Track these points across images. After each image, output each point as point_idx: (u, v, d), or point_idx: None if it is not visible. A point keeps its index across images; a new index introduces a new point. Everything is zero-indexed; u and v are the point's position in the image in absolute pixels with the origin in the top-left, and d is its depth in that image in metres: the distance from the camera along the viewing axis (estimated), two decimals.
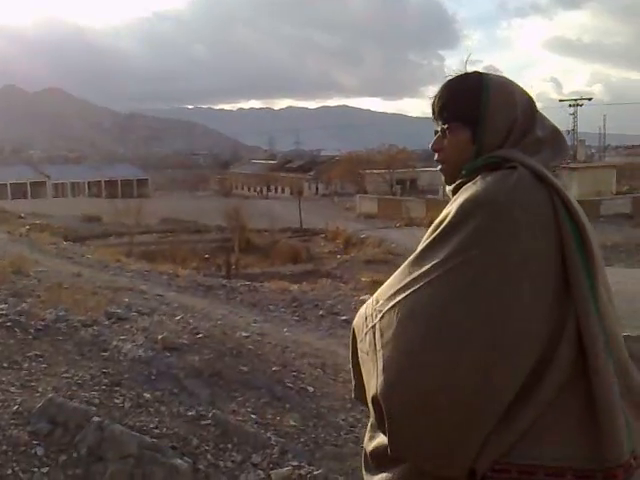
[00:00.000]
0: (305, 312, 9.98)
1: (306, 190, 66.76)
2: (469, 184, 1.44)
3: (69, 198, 68.72)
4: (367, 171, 58.17)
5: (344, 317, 9.65)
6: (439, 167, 1.59)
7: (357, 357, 1.56)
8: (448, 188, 1.59)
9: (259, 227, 33.31)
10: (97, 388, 3.82)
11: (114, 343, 4.65)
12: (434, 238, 1.43)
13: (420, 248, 1.46)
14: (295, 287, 12.28)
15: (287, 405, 4.46)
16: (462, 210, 1.38)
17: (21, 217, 34.96)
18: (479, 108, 1.49)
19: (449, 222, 1.40)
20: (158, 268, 14.66)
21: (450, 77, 1.57)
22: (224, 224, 33.34)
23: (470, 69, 1.57)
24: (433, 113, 1.59)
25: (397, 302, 1.40)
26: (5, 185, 68.71)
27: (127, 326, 5.45)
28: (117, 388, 3.88)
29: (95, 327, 5.11)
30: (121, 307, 7.28)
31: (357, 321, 1.57)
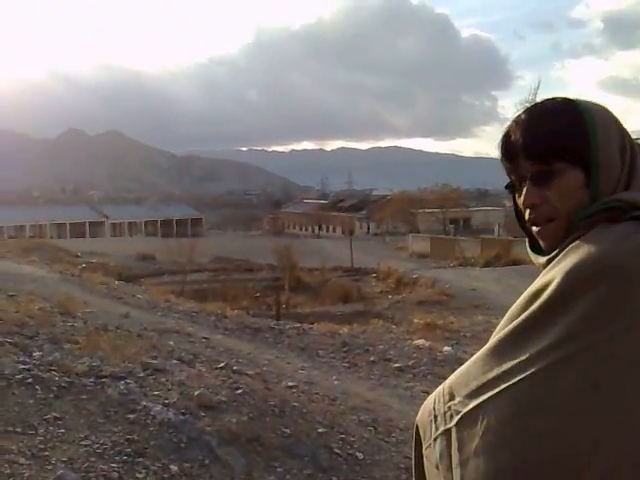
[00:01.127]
0: (355, 358, 9.46)
1: (357, 229, 66.57)
2: (577, 242, 1.05)
3: (126, 237, 70.32)
4: (419, 210, 57.63)
5: (397, 364, 9.11)
6: (536, 229, 1.15)
7: (422, 467, 1.15)
8: (540, 260, 1.16)
9: (310, 266, 33.01)
10: (118, 459, 3.39)
11: (143, 403, 4.21)
12: (532, 315, 1.03)
13: (510, 328, 1.06)
14: (345, 330, 11.78)
15: (334, 478, 3.95)
16: (575, 278, 1.00)
17: (77, 256, 35.73)
18: (588, 140, 1.10)
19: (554, 294, 1.01)
20: (207, 308, 14.42)
21: (527, 105, 1.17)
22: (275, 263, 33.18)
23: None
24: (509, 154, 1.16)
25: (483, 403, 1.03)
26: (65, 225, 70.93)
27: (163, 379, 5.05)
28: (140, 459, 3.45)
29: (128, 380, 4.73)
30: (162, 354, 6.96)
31: (422, 418, 1.18)
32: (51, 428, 3.67)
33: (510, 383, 1.00)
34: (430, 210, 55.84)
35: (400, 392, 7.72)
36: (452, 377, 1.15)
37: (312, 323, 13.91)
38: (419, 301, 21.66)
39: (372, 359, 9.42)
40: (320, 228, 74.39)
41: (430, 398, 1.19)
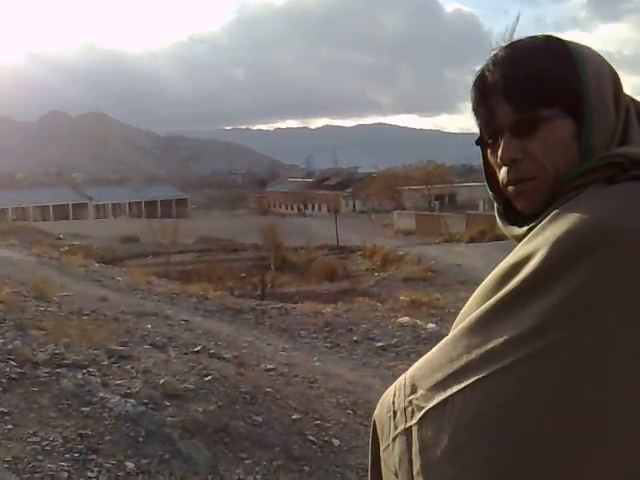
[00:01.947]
0: (338, 337, 9.30)
1: (343, 207, 66.41)
2: (567, 204, 0.86)
3: (110, 219, 69.70)
4: (404, 187, 57.50)
5: (380, 343, 8.96)
6: (514, 188, 0.95)
7: (379, 473, 0.98)
8: (517, 231, 0.97)
9: (296, 245, 32.82)
10: (68, 456, 3.16)
11: (100, 394, 3.96)
12: (511, 292, 0.84)
13: (484, 307, 0.87)
14: (328, 309, 11.60)
15: (306, 467, 3.74)
16: (566, 248, 0.81)
17: (59, 238, 35.28)
18: (580, 85, 0.91)
19: (539, 267, 0.82)
20: (189, 290, 14.19)
21: (510, 42, 0.96)
22: (260, 242, 32.95)
23: None
24: (484, 98, 0.95)
25: (450, 398, 0.85)
26: (48, 207, 70.18)
27: (128, 366, 4.81)
28: (93, 456, 3.21)
29: (91, 369, 4.49)
30: (135, 339, 6.73)
31: (380, 413, 0.99)
32: None
33: (482, 375, 0.81)
34: (415, 187, 55.71)
35: (382, 372, 7.56)
36: (415, 365, 0.96)
37: (297, 302, 13.74)
38: (405, 278, 21.53)
39: (355, 338, 9.26)
40: (306, 207, 74.14)
41: (390, 390, 1.00)
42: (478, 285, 0.96)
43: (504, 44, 0.96)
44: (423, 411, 0.89)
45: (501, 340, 0.81)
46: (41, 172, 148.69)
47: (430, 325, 10.58)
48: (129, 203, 78.99)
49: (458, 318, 0.96)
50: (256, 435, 3.96)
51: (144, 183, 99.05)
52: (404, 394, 0.94)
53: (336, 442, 4.21)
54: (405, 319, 10.93)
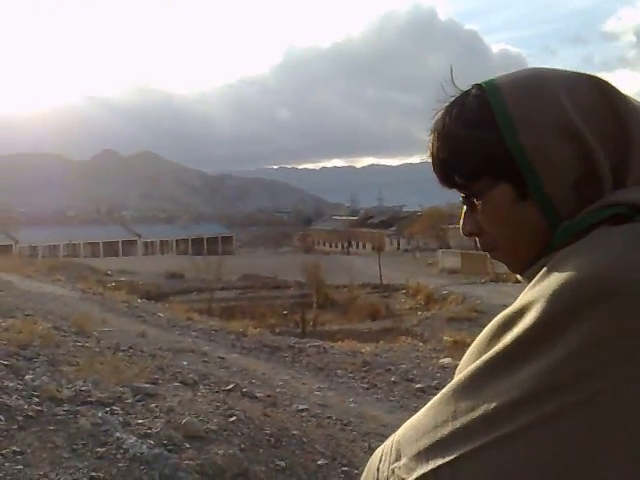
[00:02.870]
0: (376, 378, 9.04)
1: (387, 246, 66.08)
2: (568, 249, 0.76)
3: (157, 255, 70.85)
4: (450, 226, 56.93)
5: (419, 385, 8.67)
6: (489, 256, 0.93)
7: None
8: (525, 274, 0.88)
9: (339, 283, 32.65)
10: None
11: (117, 434, 3.80)
12: (501, 352, 0.73)
13: (472, 368, 0.76)
14: (367, 348, 11.35)
15: None
16: (559, 302, 0.70)
17: (107, 274, 35.97)
18: (503, 145, 0.81)
19: (532, 325, 0.71)
20: (229, 326, 14.14)
21: (439, 112, 0.91)
22: (304, 280, 32.91)
23: None
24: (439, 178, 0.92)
25: (431, 472, 0.74)
26: (98, 244, 71.97)
27: (152, 405, 4.68)
28: None
29: (114, 407, 4.37)
30: (166, 375, 6.64)
31: (366, 477, 0.89)
32: (7, 464, 3.29)
33: (468, 449, 0.70)
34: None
35: None
36: (403, 426, 0.84)
37: (338, 340, 13.53)
38: (449, 318, 21.12)
39: (393, 379, 8.99)
40: (350, 245, 74.09)
41: (377, 453, 0.88)
42: None
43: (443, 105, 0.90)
44: None
45: (489, 408, 0.70)
46: (92, 209, 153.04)
47: None
48: (176, 240, 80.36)
49: (457, 371, 0.84)
50: None
51: (191, 221, 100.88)
52: (389, 460, 0.83)
53: None
54: (447, 360, 10.59)
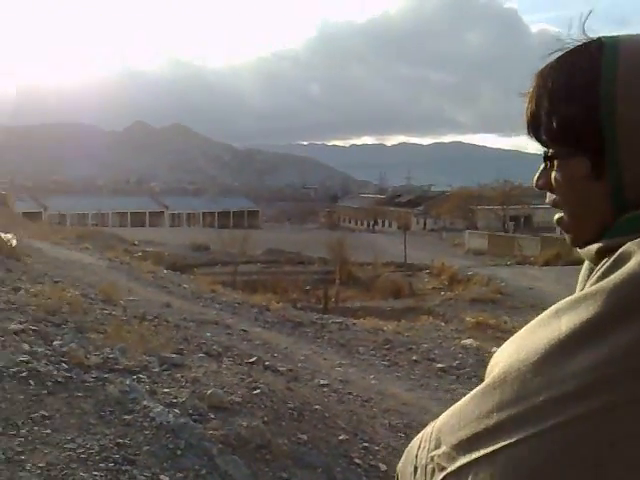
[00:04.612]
0: (397, 356, 9.04)
1: (414, 225, 65.72)
2: (634, 244, 0.73)
3: (184, 227, 71.45)
4: (479, 207, 56.35)
5: (440, 364, 8.64)
6: (555, 217, 0.91)
7: None
8: (583, 251, 0.87)
9: (363, 260, 32.60)
10: (103, 466, 3.03)
11: (144, 403, 3.83)
12: (557, 341, 0.71)
13: (520, 358, 0.75)
14: (389, 326, 11.34)
15: None
16: (618, 298, 0.69)
17: (134, 244, 36.35)
18: (599, 115, 0.77)
19: (591, 316, 0.70)
20: (253, 300, 14.24)
21: (555, 53, 0.86)
22: (328, 256, 32.91)
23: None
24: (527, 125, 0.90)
25: (473, 462, 0.74)
26: (126, 214, 72.74)
27: (178, 375, 4.73)
28: (128, 467, 3.08)
29: (141, 375, 4.42)
30: (191, 346, 6.72)
31: (403, 466, 0.90)
32: (36, 428, 3.35)
33: (512, 440, 0.69)
34: (490, 207, 54.52)
35: (441, 395, 7.26)
36: (443, 414, 0.84)
37: (360, 318, 13.54)
38: (472, 299, 20.97)
39: (414, 358, 8.98)
40: (376, 223, 73.82)
41: (416, 440, 0.88)
42: None
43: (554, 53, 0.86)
44: (444, 473, 0.77)
45: (538, 399, 0.68)
46: (122, 180, 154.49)
47: (495, 349, 10.08)
48: (203, 213, 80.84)
49: (493, 360, 0.83)
50: (299, 454, 3.77)
51: (219, 194, 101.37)
52: (428, 448, 0.83)
53: (383, 467, 3.99)
54: (469, 341, 10.55)
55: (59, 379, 3.90)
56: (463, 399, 0.81)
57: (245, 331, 9.52)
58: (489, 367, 0.82)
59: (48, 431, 3.34)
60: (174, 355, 5.51)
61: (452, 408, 0.82)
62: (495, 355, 0.83)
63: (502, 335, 12.46)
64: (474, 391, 0.79)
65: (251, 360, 6.67)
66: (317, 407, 4.76)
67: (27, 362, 4.00)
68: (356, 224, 76.04)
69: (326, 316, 12.42)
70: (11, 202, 42.52)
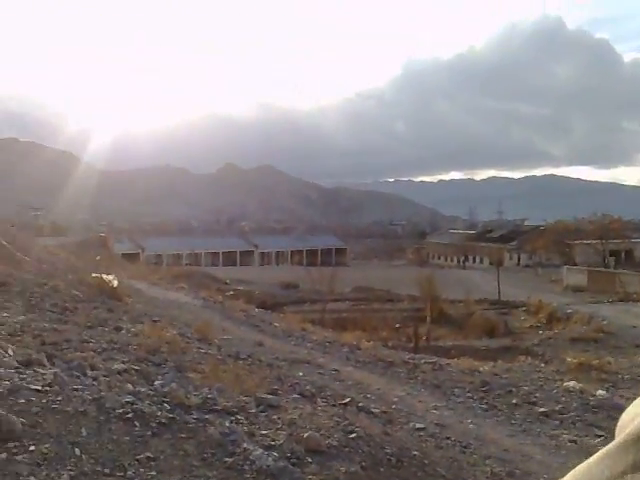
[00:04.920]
0: (495, 399, 8.67)
1: (507, 261, 63.82)
2: None
3: (273, 266, 72.66)
4: (576, 241, 54.14)
5: (542, 408, 8.22)
6: None
7: None
8: None
9: (454, 297, 31.88)
10: None
11: (244, 445, 3.81)
12: None
13: None
14: (486, 367, 10.94)
15: None
16: None
17: (226, 283, 37.36)
18: None
19: None
20: (343, 338, 14.17)
21: None
22: (417, 293, 32.41)
23: None
24: None
25: None
26: (218, 253, 74.85)
27: (275, 416, 4.71)
28: None
29: (239, 416, 4.43)
30: (285, 386, 6.73)
31: None
32: (142, 470, 3.39)
33: None
34: (588, 242, 52.27)
35: (544, 441, 6.88)
36: (569, 476, 0.74)
37: (453, 357, 13.16)
38: (573, 338, 20.02)
39: (514, 401, 8.59)
40: (466, 259, 72.27)
41: None
42: None
43: None
44: None
45: None
46: (213, 220, 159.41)
47: (600, 392, 9.57)
48: (291, 251, 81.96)
49: (626, 415, 0.74)
50: None
51: (306, 232, 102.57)
52: None
53: None
54: (571, 383, 10.01)
55: (163, 420, 3.95)
56: (590, 459, 0.73)
57: (337, 371, 9.45)
58: (621, 422, 0.74)
59: (153, 473, 3.37)
60: (269, 396, 5.51)
61: (579, 468, 0.74)
62: (628, 410, 0.75)
63: (607, 377, 11.76)
64: (604, 449, 0.71)
65: (345, 401, 6.58)
66: (415, 453, 4.60)
67: (132, 403, 4.09)
68: (446, 260, 74.75)
69: (418, 356, 12.14)
70: (111, 244, 44.67)
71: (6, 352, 5.73)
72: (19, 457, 3.18)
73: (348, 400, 6.63)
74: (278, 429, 4.39)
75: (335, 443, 4.20)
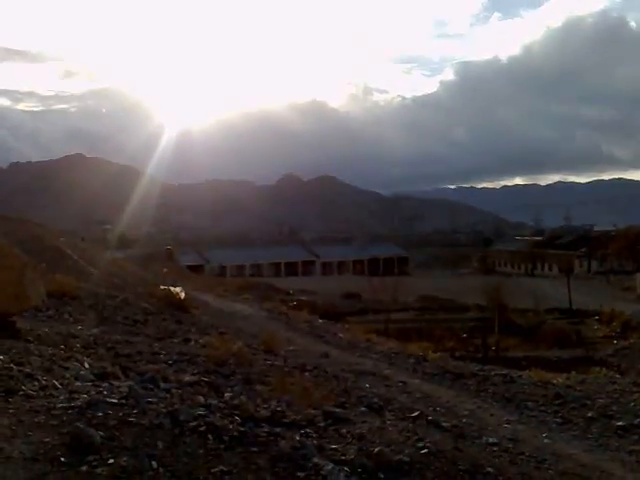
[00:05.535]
0: (570, 412, 8.37)
1: (577, 268, 61.99)
2: None
3: (334, 275, 72.73)
4: None
5: (620, 422, 7.88)
6: None
7: None
8: None
9: (522, 306, 31.15)
10: None
11: (315, 460, 3.79)
12: None
13: None
14: (560, 379, 10.59)
15: None
16: None
17: (289, 293, 37.67)
18: None
19: None
20: (408, 349, 14.00)
21: None
22: (484, 302, 31.83)
23: None
24: None
25: None
26: (280, 264, 75.58)
27: (344, 430, 4.67)
28: None
29: (308, 429, 4.42)
30: (352, 399, 6.69)
31: None
32: None
33: None
34: None
35: (623, 456, 6.59)
36: None
37: (524, 369, 12.81)
38: None
39: (590, 415, 8.27)
40: (534, 266, 70.56)
41: None
42: None
43: None
44: None
45: None
46: (275, 231, 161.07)
47: None
48: (353, 261, 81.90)
49: None
50: None
51: (368, 242, 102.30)
52: None
53: None
54: None
55: (234, 433, 3.98)
56: None
57: (404, 383, 9.32)
58: None
59: None
60: (337, 409, 5.48)
61: None
62: None
63: None
64: None
65: (414, 414, 6.47)
66: (489, 469, 4.47)
67: (204, 416, 4.13)
68: (512, 268, 73.19)
69: (488, 367, 11.85)
70: (176, 256, 45.75)
71: (82, 365, 5.91)
72: (99, 470, 3.26)
73: (417, 413, 6.52)
74: (348, 443, 4.35)
75: (406, 459, 4.12)
